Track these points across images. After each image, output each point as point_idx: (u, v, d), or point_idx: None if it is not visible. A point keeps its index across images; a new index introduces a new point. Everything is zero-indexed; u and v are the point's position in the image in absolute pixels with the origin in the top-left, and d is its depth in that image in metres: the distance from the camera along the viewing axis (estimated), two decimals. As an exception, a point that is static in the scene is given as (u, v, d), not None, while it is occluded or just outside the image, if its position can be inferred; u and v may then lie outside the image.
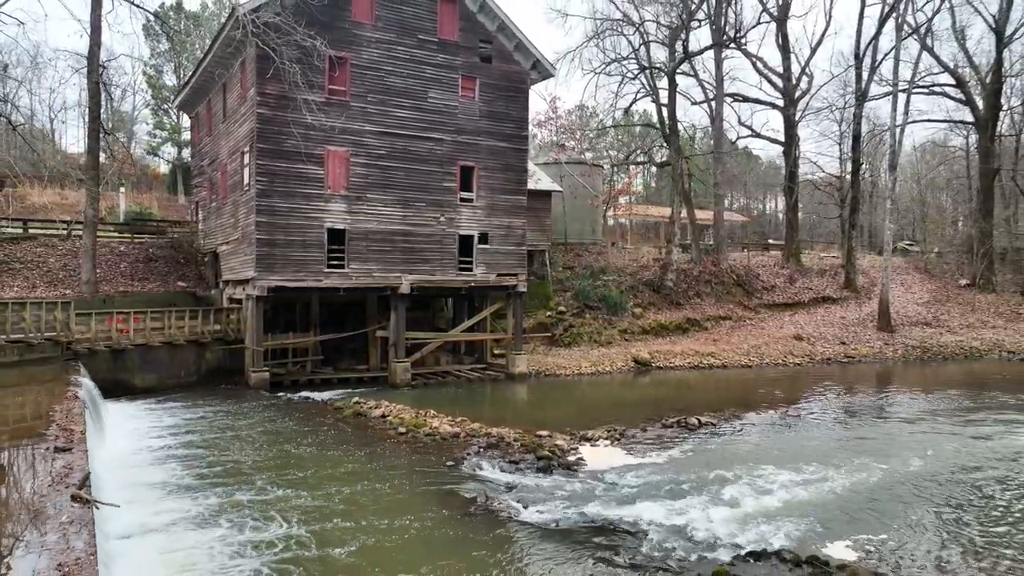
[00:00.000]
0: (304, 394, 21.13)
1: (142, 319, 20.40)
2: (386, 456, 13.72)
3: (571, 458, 14.21)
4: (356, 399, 19.12)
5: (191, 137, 33.50)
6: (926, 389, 24.33)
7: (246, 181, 22.11)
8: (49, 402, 12.06)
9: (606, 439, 16.03)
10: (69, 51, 56.07)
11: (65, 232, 28.47)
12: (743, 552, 9.21)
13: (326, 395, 20.84)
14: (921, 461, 14.55)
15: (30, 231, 28.31)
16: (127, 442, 12.63)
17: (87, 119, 25.09)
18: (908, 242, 66.29)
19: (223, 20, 54.14)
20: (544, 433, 15.75)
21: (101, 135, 24.88)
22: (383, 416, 17.02)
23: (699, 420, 17.87)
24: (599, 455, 14.78)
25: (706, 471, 13.40)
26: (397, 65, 22.95)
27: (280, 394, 20.73)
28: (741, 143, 56.78)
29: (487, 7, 24.28)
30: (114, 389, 18.59)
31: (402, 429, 15.67)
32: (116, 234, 30.62)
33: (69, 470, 7.72)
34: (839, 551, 9.62)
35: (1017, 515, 11.40)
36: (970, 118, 46.42)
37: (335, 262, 22.27)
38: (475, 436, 15.21)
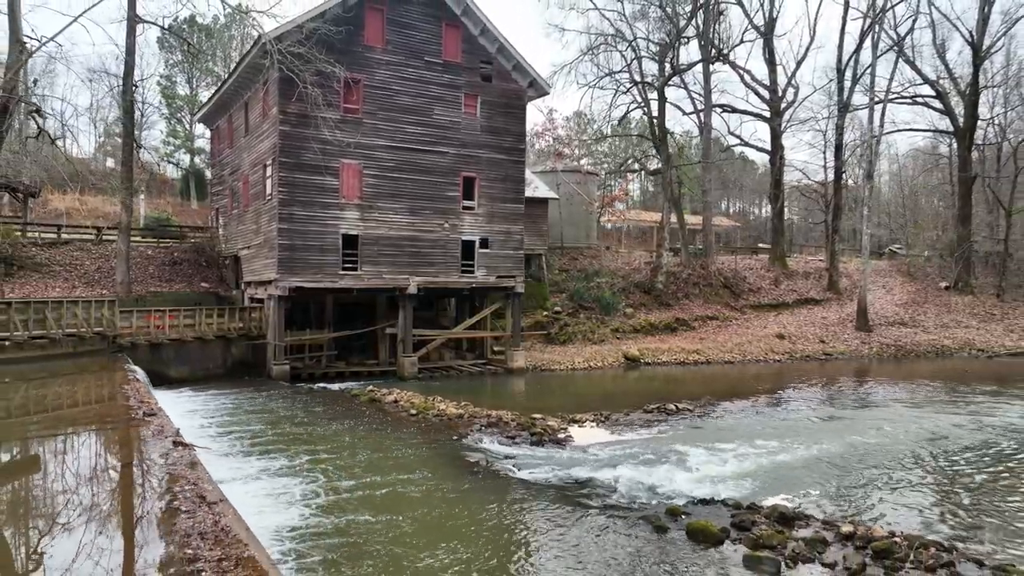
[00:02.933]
0: (321, 385, 23.28)
1: (176, 316, 22.57)
2: (401, 431, 15.89)
3: (561, 436, 16.32)
4: (370, 388, 21.31)
5: (211, 148, 35.71)
6: (893, 381, 26.53)
7: (268, 191, 24.29)
8: (118, 384, 14.23)
9: (592, 421, 18.17)
10: (88, 67, 58.21)
11: (95, 237, 30.67)
12: (695, 499, 11.35)
13: (341, 386, 22.98)
14: (869, 438, 16.70)
15: (63, 236, 30.52)
16: (182, 420, 14.71)
17: (122, 134, 27.22)
18: (897, 246, 68.55)
19: (233, 31, 56.82)
20: (538, 416, 17.86)
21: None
22: (395, 401, 19.18)
23: (676, 406, 20.00)
24: (585, 433, 16.92)
25: (677, 445, 15.52)
26: (406, 85, 25.13)
27: (300, 385, 22.88)
28: (738, 149, 59.11)
29: (488, 31, 26.48)
30: (152, 379, 20.64)
31: (413, 411, 17.83)
32: (139, 238, 32.80)
33: (162, 427, 9.87)
34: (775, 501, 11.73)
35: (937, 474, 13.58)
36: (951, 128, 48.63)
37: (349, 265, 24.43)
38: (477, 417, 17.36)
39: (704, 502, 11.19)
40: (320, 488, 10.94)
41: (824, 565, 8.47)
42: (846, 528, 9.43)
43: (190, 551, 5.41)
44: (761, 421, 19.07)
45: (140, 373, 16.70)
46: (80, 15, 21.43)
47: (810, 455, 15.06)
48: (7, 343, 17.70)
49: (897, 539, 8.96)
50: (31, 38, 24.53)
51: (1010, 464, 14.62)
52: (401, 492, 11.08)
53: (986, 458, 15.11)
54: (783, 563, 8.45)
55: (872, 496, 12.33)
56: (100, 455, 9.22)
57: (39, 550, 6.20)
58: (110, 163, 62.67)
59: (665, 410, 19.72)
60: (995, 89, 51.87)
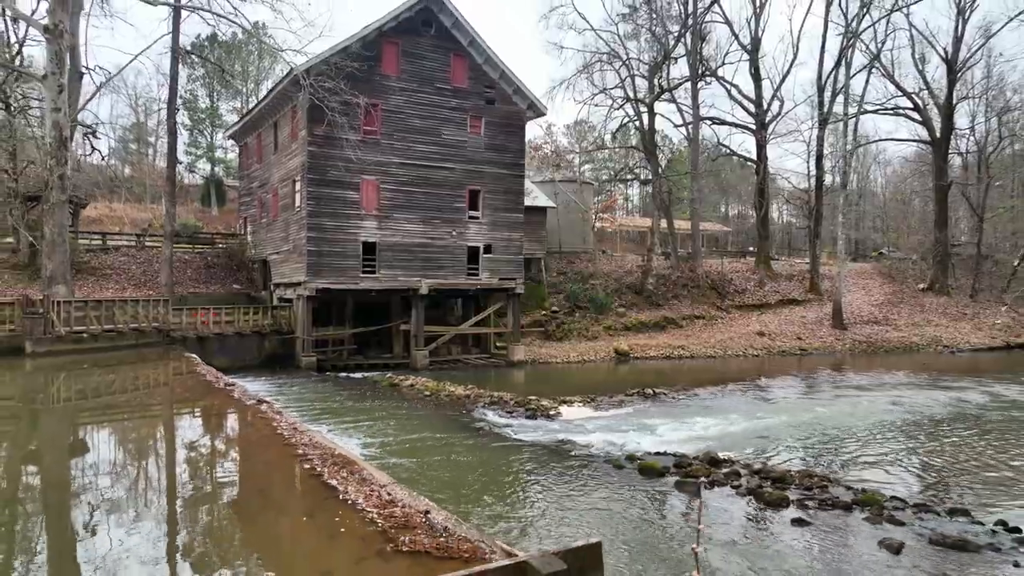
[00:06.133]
0: (344, 374, 26.46)
1: (218, 314, 25.82)
2: (419, 407, 19.13)
3: (552, 412, 19.40)
4: (389, 375, 24.52)
5: (239, 162, 39.00)
6: (857, 372, 29.60)
7: (298, 203, 27.53)
8: (188, 367, 17.46)
9: (580, 402, 21.23)
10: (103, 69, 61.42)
11: (137, 243, 34.00)
12: (651, 452, 14.47)
13: (361, 375, 26.17)
14: (819, 413, 19.81)
15: (108, 242, 33.84)
16: (239, 395, 17.96)
17: (166, 151, 30.51)
18: (890, 248, 71.53)
19: (252, 48, 60.19)
20: (533, 397, 20.96)
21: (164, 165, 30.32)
22: (412, 386, 22.37)
23: (654, 390, 23.08)
24: (573, 411, 20.01)
25: (648, 419, 18.64)
26: (418, 108, 28.36)
27: (326, 374, 26.09)
28: (740, 150, 62.16)
29: (491, 60, 29.69)
30: (200, 368, 23.90)
31: (427, 392, 21.04)
32: (175, 244, 36.06)
33: (244, 391, 13.06)
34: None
35: (872, 439, 16.68)
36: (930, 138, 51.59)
37: (368, 269, 27.64)
38: (481, 397, 20.51)
39: (658, 454, 14.30)
40: (369, 442, 14.23)
41: (733, 487, 11.59)
42: (757, 466, 12.57)
43: (301, 451, 8.55)
44: (729, 402, 22.12)
45: (197, 359, 19.91)
46: (139, 54, 24.77)
47: (758, 426, 18.12)
48: (85, 335, 20.97)
49: (792, 472, 12.09)
50: (88, 69, 27.91)
51: (935, 432, 17.63)
52: (427, 445, 14.33)
53: (917, 427, 18.13)
54: (703, 486, 11.59)
55: (802, 451, 15.42)
56: (216, 408, 12.48)
57: (215, 460, 9.52)
58: (127, 170, 66.28)
59: (644, 394, 22.77)
60: (977, 99, 54.95)
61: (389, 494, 6.84)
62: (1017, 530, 9.70)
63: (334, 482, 7.24)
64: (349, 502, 6.65)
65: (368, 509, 6.41)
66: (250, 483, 8.09)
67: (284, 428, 9.89)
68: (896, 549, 8.70)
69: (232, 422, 11.82)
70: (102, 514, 6.90)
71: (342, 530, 5.96)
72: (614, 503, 10.87)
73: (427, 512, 6.18)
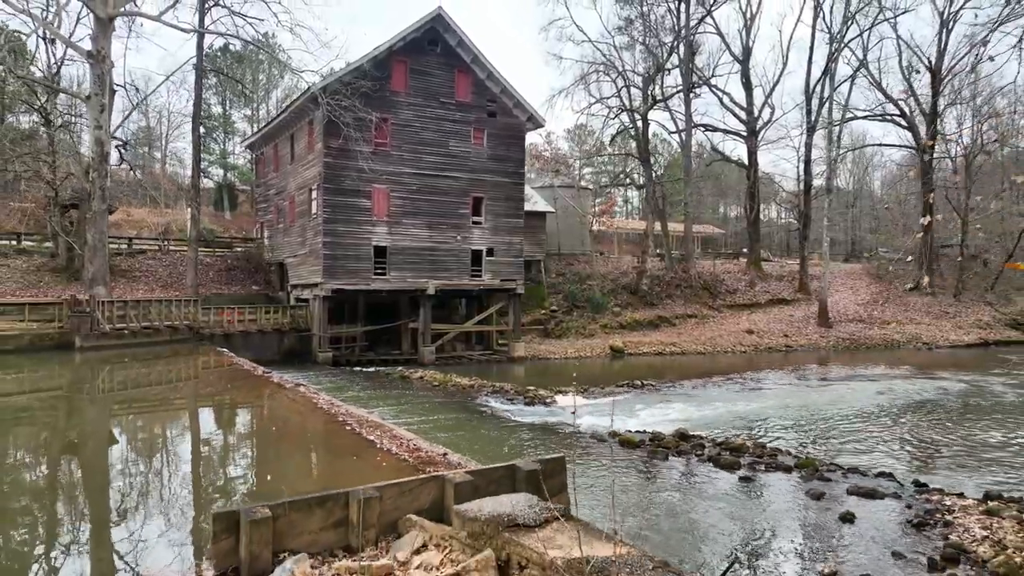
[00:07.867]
0: (357, 368, 28.64)
1: (243, 313, 28.03)
2: (430, 394, 21.33)
3: (548, 400, 21.55)
4: (399, 369, 26.69)
5: (255, 170, 41.26)
6: (837, 367, 31.68)
7: (314, 210, 29.73)
8: (225, 360, 19.68)
9: (574, 392, 23.42)
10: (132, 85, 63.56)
11: (161, 247, 36.23)
12: (630, 430, 16.62)
13: (374, 369, 28.34)
14: (791, 401, 21.88)
15: (134, 246, 36.09)
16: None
17: (191, 162, 32.73)
18: (884, 249, 73.59)
19: (262, 58, 62.41)
20: (531, 387, 23.15)
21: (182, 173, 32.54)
22: (421, 377, 24.57)
23: (642, 382, 25.24)
24: (567, 399, 22.09)
25: (636, 405, 20.79)
26: (425, 122, 30.55)
27: (342, 367, 28.28)
28: (735, 156, 64.36)
29: (493, 76, 31.87)
30: (226, 362, 26.04)
31: (435, 383, 23.22)
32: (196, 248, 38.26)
33: (282, 378, 15.25)
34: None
35: (829, 421, 18.81)
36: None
37: (379, 270, 29.83)
38: (484, 387, 22.71)
39: (637, 431, 16.47)
40: (390, 421, 16.40)
41: (696, 455, 13.75)
42: (720, 440, 14.71)
43: (341, 418, 10.73)
44: (712, 392, 24.24)
45: (230, 353, 22.13)
46: (170, 75, 26.98)
47: (734, 411, 20.25)
48: (126, 332, 23.20)
49: (747, 444, 14.23)
50: (120, 86, 30.15)
51: (896, 415, 19.71)
52: (439, 423, 16.58)
53: (880, 411, 20.24)
54: (671, 454, 13.75)
55: (769, 430, 17.55)
56: (263, 390, 14.70)
57: (276, 423, 11.70)
58: (137, 174, 68.60)
59: (633, 385, 24.94)
60: (963, 106, 56.91)
61: (415, 444, 9.01)
62: (925, 486, 11.83)
63: (371, 437, 9.42)
64: (385, 449, 8.82)
65: (400, 452, 8.58)
66: (306, 437, 10.37)
67: (323, 403, 12.08)
68: (817, 496, 10.84)
69: (280, 399, 14.03)
70: (220, 452, 9.20)
71: (384, 465, 8.14)
72: (593, 462, 13.05)
73: (445, 454, 8.36)
